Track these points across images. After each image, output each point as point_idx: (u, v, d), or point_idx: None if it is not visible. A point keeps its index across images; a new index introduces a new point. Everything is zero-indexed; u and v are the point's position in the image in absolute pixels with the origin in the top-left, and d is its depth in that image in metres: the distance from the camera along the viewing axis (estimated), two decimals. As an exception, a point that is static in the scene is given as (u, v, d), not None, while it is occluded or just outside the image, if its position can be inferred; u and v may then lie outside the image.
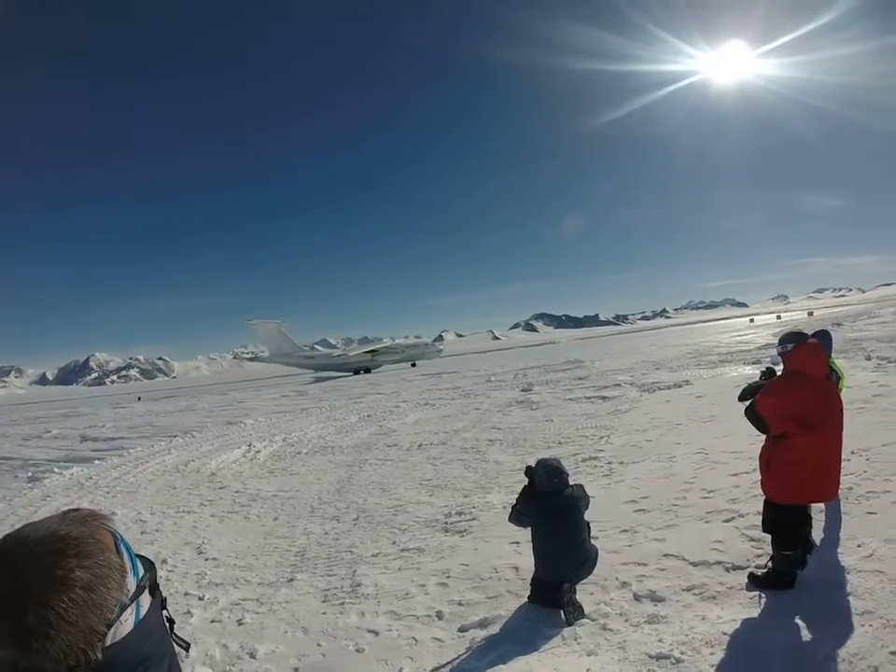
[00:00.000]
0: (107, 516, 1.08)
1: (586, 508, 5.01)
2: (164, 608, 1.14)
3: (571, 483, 5.07)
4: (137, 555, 1.10)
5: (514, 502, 5.14)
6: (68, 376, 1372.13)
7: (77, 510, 1.07)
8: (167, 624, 1.14)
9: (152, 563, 1.13)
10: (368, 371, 65.61)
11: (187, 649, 1.26)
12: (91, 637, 0.93)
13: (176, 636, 1.19)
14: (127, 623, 0.99)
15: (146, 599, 1.06)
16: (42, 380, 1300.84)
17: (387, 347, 73.12)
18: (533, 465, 5.10)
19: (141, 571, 1.08)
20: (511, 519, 5.18)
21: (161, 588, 1.14)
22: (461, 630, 4.79)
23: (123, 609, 0.99)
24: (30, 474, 13.79)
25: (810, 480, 4.52)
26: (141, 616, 1.02)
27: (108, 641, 0.95)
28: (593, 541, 5.06)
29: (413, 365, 66.99)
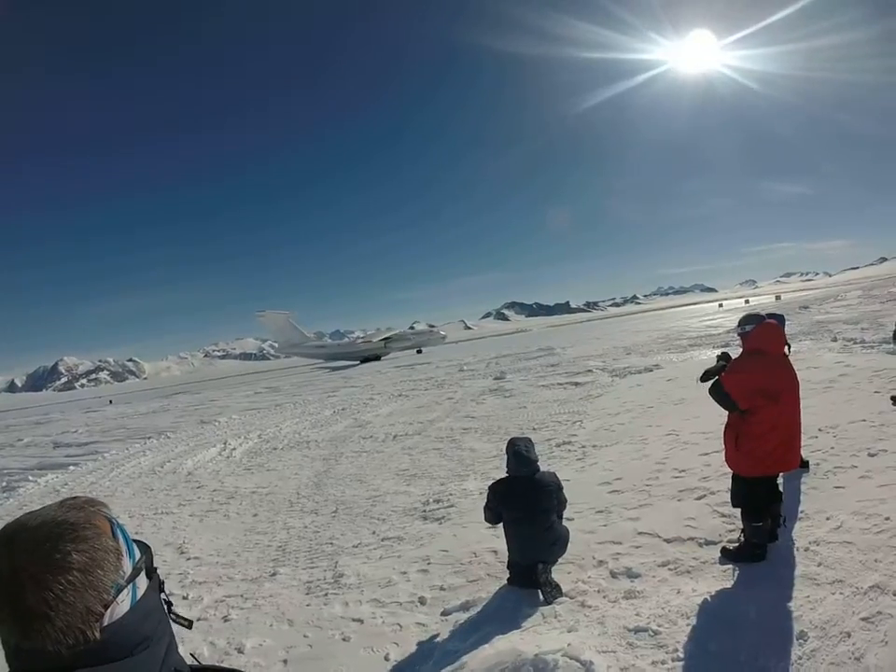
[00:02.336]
0: (103, 503, 1.10)
1: (557, 491, 5.03)
2: (162, 590, 1.16)
3: (544, 468, 5.12)
4: (133, 540, 1.12)
5: (486, 501, 5.20)
6: (37, 382, 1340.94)
7: (74, 498, 1.09)
8: (165, 606, 1.17)
9: (148, 546, 1.16)
10: (378, 358, 67.12)
11: (189, 626, 1.28)
12: (89, 617, 0.95)
13: (176, 614, 1.22)
14: (124, 603, 1.01)
15: (142, 581, 1.08)
16: (11, 387, 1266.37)
17: (398, 335, 75.97)
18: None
19: (137, 555, 1.10)
20: (486, 518, 5.25)
21: (157, 571, 1.16)
22: (444, 614, 4.87)
23: (119, 590, 1.01)
24: (4, 484, 13.52)
25: (775, 451, 4.71)
26: (138, 597, 1.05)
27: (106, 621, 0.98)
28: (568, 523, 5.14)
29: (419, 352, 68.55)
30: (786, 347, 5.11)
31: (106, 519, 1.08)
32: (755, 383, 4.72)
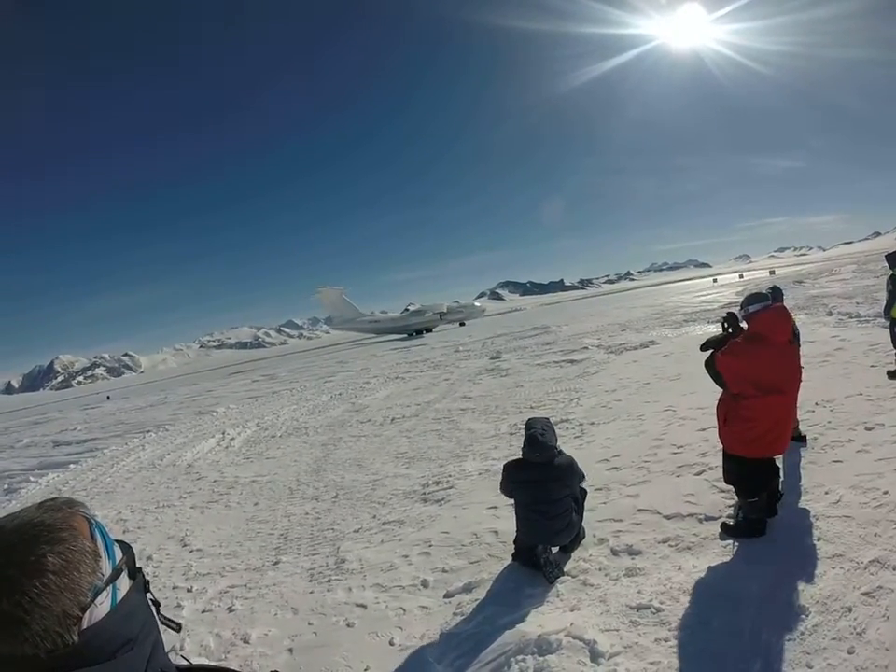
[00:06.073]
0: (82, 503, 1.07)
1: (575, 479, 4.99)
2: (147, 590, 1.12)
3: (560, 453, 5.02)
4: (116, 540, 1.09)
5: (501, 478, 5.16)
6: (34, 382, 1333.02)
7: (53, 499, 1.06)
8: (152, 607, 1.13)
9: (129, 546, 1.12)
10: (429, 331, 70.20)
11: (178, 629, 1.25)
12: (66, 620, 0.93)
13: (165, 616, 1.19)
14: (103, 606, 0.98)
15: (123, 582, 1.05)
16: (8, 389, 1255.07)
17: (450, 308, 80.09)
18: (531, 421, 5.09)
19: (118, 556, 1.07)
20: (502, 491, 5.20)
21: (142, 571, 1.12)
22: (447, 596, 4.87)
23: (98, 592, 0.98)
24: (6, 486, 13.43)
25: (763, 437, 4.64)
26: (118, 599, 1.02)
27: (84, 624, 0.95)
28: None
29: (462, 324, 72.23)
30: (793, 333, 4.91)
31: (85, 519, 1.04)
32: (748, 372, 4.61)
